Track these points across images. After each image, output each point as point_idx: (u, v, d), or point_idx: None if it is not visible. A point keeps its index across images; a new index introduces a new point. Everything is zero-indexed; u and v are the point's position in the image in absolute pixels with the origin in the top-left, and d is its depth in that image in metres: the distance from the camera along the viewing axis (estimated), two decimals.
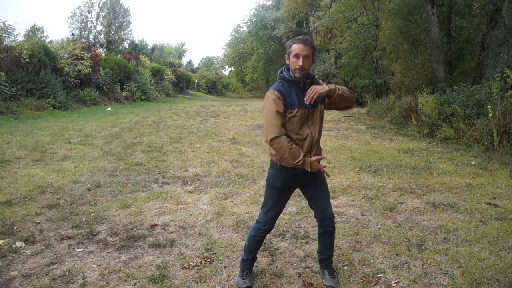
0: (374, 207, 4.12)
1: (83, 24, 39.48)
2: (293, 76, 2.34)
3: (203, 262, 2.86)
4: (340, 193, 4.64)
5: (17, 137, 8.23)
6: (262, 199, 2.63)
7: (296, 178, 2.43)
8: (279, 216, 2.61)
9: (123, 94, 22.20)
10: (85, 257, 2.93)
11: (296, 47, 2.29)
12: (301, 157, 2.27)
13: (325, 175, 2.46)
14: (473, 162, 6.15)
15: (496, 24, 12.44)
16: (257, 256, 2.71)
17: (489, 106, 7.69)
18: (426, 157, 6.71)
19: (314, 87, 2.25)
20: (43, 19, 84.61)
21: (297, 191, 2.68)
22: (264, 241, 3.17)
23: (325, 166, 2.45)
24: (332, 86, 2.28)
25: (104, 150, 7.09)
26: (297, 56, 2.28)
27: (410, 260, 2.89)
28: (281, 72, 2.40)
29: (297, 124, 2.32)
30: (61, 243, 3.18)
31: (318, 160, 2.35)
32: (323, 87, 2.26)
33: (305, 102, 2.27)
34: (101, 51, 28.23)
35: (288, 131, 2.33)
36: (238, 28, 45.78)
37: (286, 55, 2.38)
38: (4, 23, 14.64)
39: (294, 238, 3.31)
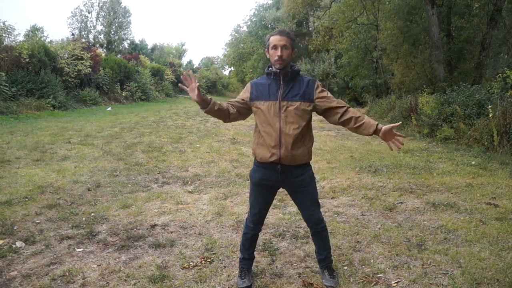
0: (374, 207, 4.12)
1: (83, 24, 39.44)
2: (272, 69, 2.37)
3: (203, 262, 2.86)
4: (340, 193, 4.64)
5: (17, 137, 8.23)
6: None
7: (273, 173, 2.38)
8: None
9: (123, 94, 22.20)
10: (85, 257, 2.93)
11: (273, 39, 2.32)
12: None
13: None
14: (473, 162, 6.15)
15: (496, 24, 12.43)
16: (257, 256, 2.71)
17: (489, 106, 7.70)
18: (426, 157, 6.71)
19: (392, 131, 2.24)
20: (43, 19, 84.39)
21: None
22: (264, 241, 3.19)
23: None
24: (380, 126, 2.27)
25: (104, 150, 7.09)
26: (275, 47, 2.30)
27: (410, 260, 2.89)
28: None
29: (266, 116, 2.33)
30: (61, 243, 3.18)
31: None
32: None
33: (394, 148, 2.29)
34: (101, 51, 28.24)
35: (258, 123, 2.38)
36: (238, 28, 45.72)
37: (266, 50, 2.41)
38: (4, 23, 14.67)
39: (294, 238, 3.30)
